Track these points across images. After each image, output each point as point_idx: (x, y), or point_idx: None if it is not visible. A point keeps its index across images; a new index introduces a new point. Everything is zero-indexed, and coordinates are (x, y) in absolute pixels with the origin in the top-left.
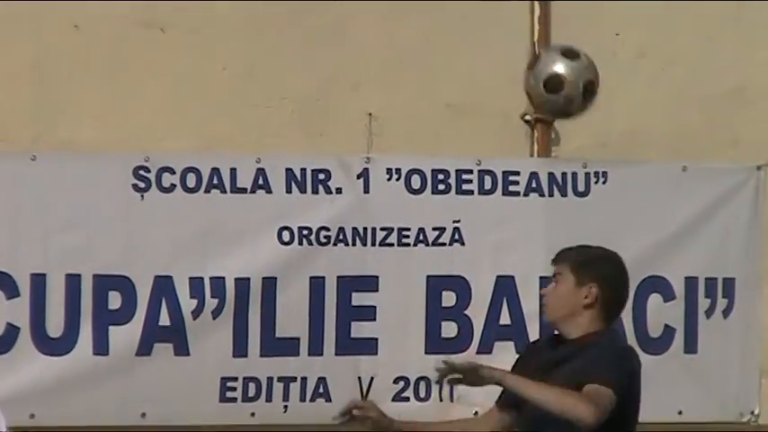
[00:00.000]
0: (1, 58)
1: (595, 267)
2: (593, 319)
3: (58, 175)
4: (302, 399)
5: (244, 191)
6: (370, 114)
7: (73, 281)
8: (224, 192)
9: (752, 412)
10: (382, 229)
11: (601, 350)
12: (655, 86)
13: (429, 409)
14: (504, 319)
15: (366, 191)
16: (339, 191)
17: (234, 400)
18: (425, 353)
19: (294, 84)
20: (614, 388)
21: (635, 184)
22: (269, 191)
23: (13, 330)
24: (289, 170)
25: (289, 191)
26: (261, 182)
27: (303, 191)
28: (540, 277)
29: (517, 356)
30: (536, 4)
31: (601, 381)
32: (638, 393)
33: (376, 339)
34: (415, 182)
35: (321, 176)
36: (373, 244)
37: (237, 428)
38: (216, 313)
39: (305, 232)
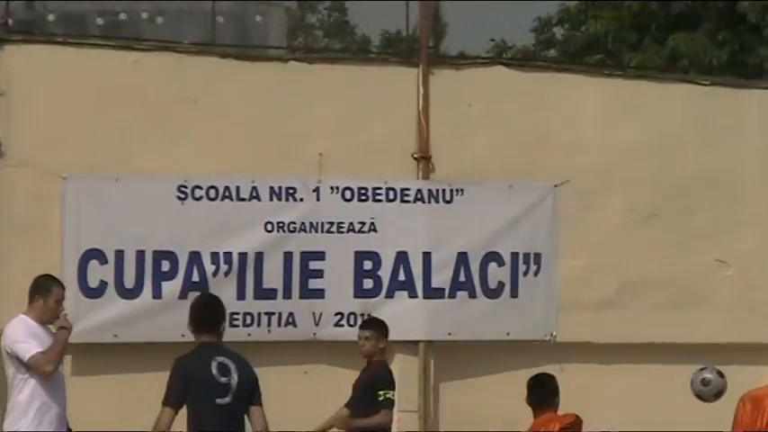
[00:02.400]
0: (98, 121)
1: None
2: None
3: (132, 190)
4: (279, 325)
5: (244, 200)
6: (321, 154)
7: (140, 253)
8: (232, 200)
9: (551, 334)
10: (327, 222)
11: None
12: (492, 137)
13: (354, 332)
14: (401, 277)
15: (318, 200)
16: (302, 200)
17: (237, 326)
18: (353, 297)
19: (275, 136)
20: None
21: (480, 195)
22: (259, 199)
23: (103, 284)
24: (271, 187)
25: (271, 200)
26: (254, 194)
27: (280, 200)
28: (423, 252)
29: None
30: (421, 89)
31: None
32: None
33: (323, 289)
34: (347, 194)
35: (291, 191)
36: (322, 231)
37: (239, 343)
38: (226, 273)
39: (281, 225)
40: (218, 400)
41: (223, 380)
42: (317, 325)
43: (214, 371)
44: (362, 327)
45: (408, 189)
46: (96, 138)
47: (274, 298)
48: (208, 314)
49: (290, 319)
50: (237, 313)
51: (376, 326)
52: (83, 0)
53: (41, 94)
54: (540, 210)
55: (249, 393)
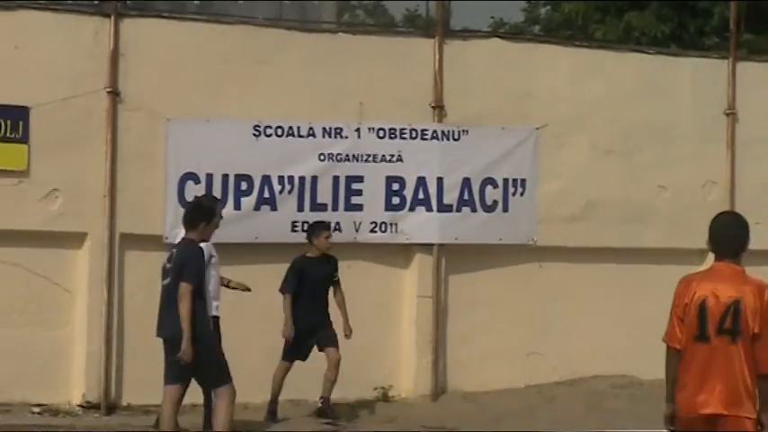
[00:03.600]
0: (193, 77)
1: None
2: None
3: (218, 128)
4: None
5: (303, 137)
6: (361, 103)
7: (225, 176)
8: (294, 137)
9: (533, 239)
10: (366, 154)
11: None
12: (490, 91)
13: (385, 236)
14: (421, 195)
15: (359, 137)
16: (347, 137)
17: (297, 231)
18: (384, 210)
19: (327, 89)
20: None
21: (481, 135)
22: (314, 137)
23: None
24: (324, 127)
25: (323, 137)
26: (311, 132)
27: (331, 137)
28: (437, 177)
29: None
30: (436, 55)
31: None
32: None
33: (362, 204)
34: (381, 133)
35: (338, 130)
36: (362, 161)
37: (298, 245)
38: (290, 192)
39: (331, 156)
40: (163, 282)
41: (168, 266)
42: (356, 231)
43: (165, 260)
44: (329, 228)
45: (427, 130)
46: (192, 89)
47: (325, 210)
48: (185, 214)
49: (337, 226)
50: (297, 222)
51: None
52: None
53: (151, 56)
54: (525, 146)
55: (178, 273)
